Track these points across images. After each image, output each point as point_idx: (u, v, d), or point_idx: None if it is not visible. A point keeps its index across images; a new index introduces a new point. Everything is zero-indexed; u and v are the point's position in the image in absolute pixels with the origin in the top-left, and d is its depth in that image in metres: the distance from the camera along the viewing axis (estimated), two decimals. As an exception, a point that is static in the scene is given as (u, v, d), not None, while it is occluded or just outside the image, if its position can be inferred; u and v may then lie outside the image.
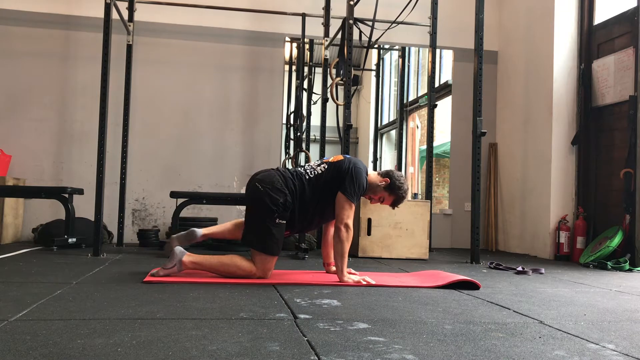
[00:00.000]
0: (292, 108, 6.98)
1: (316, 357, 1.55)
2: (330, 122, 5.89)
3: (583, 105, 5.34)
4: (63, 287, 2.65)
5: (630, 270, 4.29)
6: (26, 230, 5.53)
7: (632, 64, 4.76)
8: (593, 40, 5.37)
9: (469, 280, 3.06)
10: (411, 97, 8.61)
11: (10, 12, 5.67)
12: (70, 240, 4.59)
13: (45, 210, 5.54)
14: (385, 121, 9.99)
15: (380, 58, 9.78)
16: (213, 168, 6.00)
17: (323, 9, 5.39)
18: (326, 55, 5.70)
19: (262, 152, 6.12)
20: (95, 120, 4.64)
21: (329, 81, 5.14)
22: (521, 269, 3.95)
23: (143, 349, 1.58)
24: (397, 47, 8.30)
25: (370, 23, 5.16)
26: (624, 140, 4.81)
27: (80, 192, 4.88)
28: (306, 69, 6.58)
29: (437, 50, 6.16)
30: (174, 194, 4.57)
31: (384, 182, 3.22)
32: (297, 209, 3.11)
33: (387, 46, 8.65)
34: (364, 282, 3.01)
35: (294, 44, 7.03)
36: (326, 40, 5.49)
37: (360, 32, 5.10)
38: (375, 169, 9.58)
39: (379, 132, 9.95)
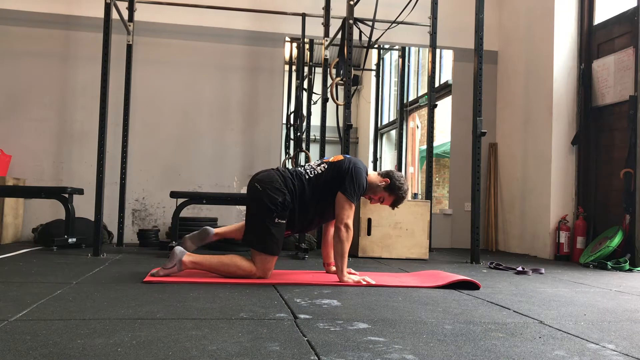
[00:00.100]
0: (292, 108, 6.98)
1: (316, 357, 1.55)
2: (330, 122, 5.90)
3: (583, 105, 5.34)
4: (63, 287, 2.65)
5: (630, 270, 4.29)
6: (26, 230, 5.53)
7: (632, 64, 4.76)
8: (593, 40, 5.37)
9: (469, 280, 3.06)
10: (411, 97, 8.62)
11: (10, 12, 5.67)
12: (70, 240, 4.59)
13: (45, 210, 5.54)
14: (385, 121, 10.00)
15: (380, 58, 9.79)
16: (213, 168, 6.00)
17: (323, 9, 5.39)
18: (326, 55, 5.70)
19: (262, 152, 6.12)
20: (95, 120, 4.64)
21: (329, 81, 5.14)
22: (521, 269, 3.95)
23: (143, 349, 1.58)
24: (397, 47, 8.30)
25: (370, 23, 5.16)
26: (624, 140, 4.81)
27: (80, 192, 4.88)
28: (306, 69, 6.58)
29: (437, 50, 6.16)
30: (174, 194, 4.57)
31: (384, 183, 3.22)
32: (297, 209, 3.11)
33: (387, 46, 8.65)
34: (364, 282, 3.01)
35: (294, 44, 7.03)
36: (326, 40, 5.49)
37: (360, 32, 5.10)
38: (375, 169, 9.58)
39: (379, 132, 9.96)
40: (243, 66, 6.13)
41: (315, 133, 6.62)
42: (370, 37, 5.28)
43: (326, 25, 5.39)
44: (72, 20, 5.77)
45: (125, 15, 5.31)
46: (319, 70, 6.89)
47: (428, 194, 5.68)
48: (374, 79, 10.10)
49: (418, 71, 8.86)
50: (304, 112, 6.51)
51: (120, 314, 2.05)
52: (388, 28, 5.39)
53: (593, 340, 1.88)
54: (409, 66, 8.42)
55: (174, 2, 5.56)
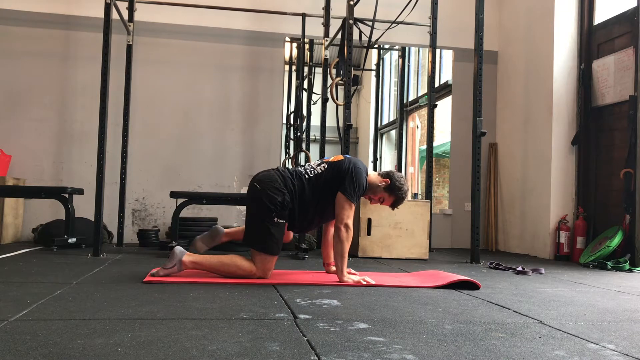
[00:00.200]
0: (292, 108, 6.98)
1: (316, 357, 1.55)
2: (330, 122, 5.89)
3: (583, 105, 5.34)
4: (63, 287, 2.65)
5: (630, 270, 4.29)
6: (26, 230, 5.53)
7: (632, 64, 4.76)
8: (593, 40, 5.37)
9: (469, 280, 3.06)
10: (411, 97, 8.62)
11: (10, 12, 5.67)
12: (70, 240, 4.59)
13: (45, 210, 5.54)
14: (385, 121, 9.99)
15: (380, 58, 9.78)
16: (213, 168, 6.00)
17: (323, 9, 5.38)
18: (326, 55, 5.70)
19: (262, 152, 6.12)
20: (95, 120, 4.64)
21: (329, 81, 5.14)
22: (521, 269, 3.95)
23: (143, 349, 1.58)
24: (397, 47, 8.30)
25: (370, 23, 5.16)
26: (624, 140, 4.81)
27: (80, 192, 4.88)
28: (306, 69, 6.58)
29: (437, 50, 6.16)
30: (174, 194, 4.57)
31: (384, 183, 3.22)
32: (296, 209, 3.11)
33: (387, 46, 8.65)
34: (364, 282, 3.01)
35: (294, 44, 7.03)
36: (326, 40, 5.49)
37: (360, 32, 5.10)
38: (375, 169, 9.58)
39: (379, 132, 9.95)
40: (243, 66, 6.13)
41: (315, 133, 6.62)
42: (370, 37, 5.28)
43: (326, 25, 5.39)
44: (72, 20, 5.77)
45: (125, 15, 5.31)
46: (319, 70, 6.89)
47: (428, 194, 5.68)
48: (374, 79, 10.10)
49: (418, 71, 8.86)
50: (304, 112, 6.51)
51: (120, 314, 2.05)
52: (388, 28, 5.39)
53: (593, 340, 1.88)
54: (409, 66, 8.41)
55: (174, 2, 5.56)
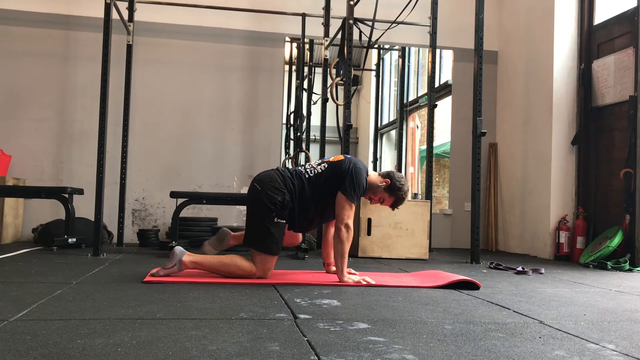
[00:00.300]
0: (292, 108, 6.98)
1: (316, 357, 1.55)
2: (330, 122, 5.90)
3: (583, 105, 5.34)
4: (63, 287, 2.65)
5: (630, 270, 4.29)
6: (26, 230, 5.53)
7: (632, 64, 4.76)
8: (593, 40, 5.37)
9: (469, 280, 3.06)
10: (411, 97, 8.62)
11: (10, 12, 5.67)
12: (70, 240, 4.59)
13: (45, 210, 5.54)
14: (385, 121, 10.00)
15: (380, 58, 9.78)
16: (213, 168, 6.00)
17: (323, 9, 5.39)
18: (326, 55, 5.70)
19: (262, 152, 6.12)
20: (95, 120, 4.64)
21: (329, 81, 5.14)
22: (521, 269, 3.95)
23: (143, 349, 1.58)
24: (397, 47, 8.30)
25: (370, 23, 5.16)
26: (624, 140, 4.81)
27: (80, 192, 4.88)
28: (306, 69, 6.58)
29: (437, 50, 6.16)
30: (174, 194, 4.57)
31: (384, 183, 3.22)
32: (296, 208, 3.10)
33: (387, 46, 8.65)
34: (364, 282, 3.01)
35: (294, 44, 7.03)
36: (326, 40, 5.49)
37: (360, 32, 5.10)
38: (375, 169, 9.58)
39: (379, 132, 9.96)
40: (243, 66, 6.13)
41: (315, 133, 6.62)
42: (370, 37, 5.28)
43: (326, 25, 5.39)
44: (72, 20, 5.77)
45: (125, 15, 5.31)
46: (319, 70, 6.89)
47: (428, 194, 5.68)
48: (374, 79, 10.10)
49: (418, 71, 8.86)
50: (304, 112, 6.51)
51: (120, 314, 2.05)
52: (388, 28, 5.39)
53: (593, 340, 1.88)
54: (409, 66, 8.42)
55: (174, 2, 5.56)
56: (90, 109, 5.57)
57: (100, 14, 4.52)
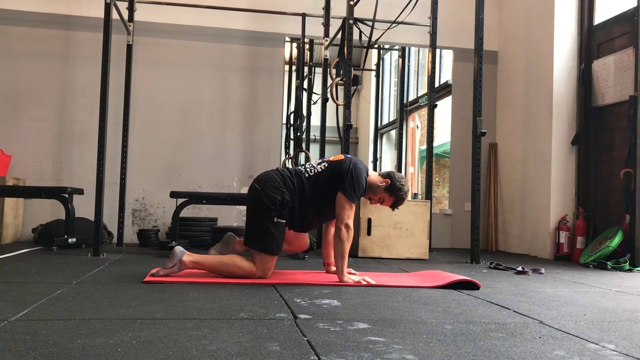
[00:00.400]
0: (292, 108, 6.98)
1: (316, 357, 1.55)
2: (330, 122, 5.90)
3: (583, 105, 5.34)
4: (63, 287, 2.65)
5: (630, 270, 4.29)
6: (26, 230, 5.53)
7: (632, 64, 4.76)
8: (593, 40, 5.37)
9: (469, 280, 3.06)
10: (411, 97, 8.62)
11: (10, 12, 5.67)
12: (70, 240, 4.59)
13: (45, 210, 5.54)
14: (385, 121, 10.00)
15: (380, 58, 9.79)
16: (213, 168, 6.00)
17: (323, 9, 5.39)
18: (326, 55, 5.70)
19: (262, 152, 6.12)
20: (95, 120, 4.64)
21: (329, 81, 5.14)
22: (521, 269, 3.95)
23: (143, 349, 1.58)
24: (397, 47, 8.30)
25: (370, 23, 5.16)
26: (624, 140, 4.81)
27: (80, 192, 4.88)
28: (306, 69, 6.58)
29: (437, 50, 6.16)
30: (174, 194, 4.57)
31: (384, 183, 3.22)
32: (296, 208, 3.10)
33: (387, 46, 8.65)
34: (364, 282, 3.01)
35: (294, 44, 7.03)
36: (326, 40, 5.49)
37: (360, 32, 5.10)
38: (375, 169, 9.58)
39: (379, 132, 9.96)
40: (243, 66, 6.13)
41: (315, 133, 6.62)
42: (370, 37, 5.28)
43: (326, 25, 5.39)
44: (72, 20, 5.77)
45: (125, 15, 5.31)
46: (319, 70, 6.89)
47: (428, 194, 5.68)
48: (374, 79, 10.10)
49: (418, 71, 8.86)
50: (304, 112, 6.51)
51: (120, 314, 2.05)
52: (388, 28, 5.39)
53: (593, 340, 1.88)
54: (409, 66, 8.42)
55: (174, 2, 5.56)
56: (90, 109, 5.57)
57: (100, 14, 4.52)
